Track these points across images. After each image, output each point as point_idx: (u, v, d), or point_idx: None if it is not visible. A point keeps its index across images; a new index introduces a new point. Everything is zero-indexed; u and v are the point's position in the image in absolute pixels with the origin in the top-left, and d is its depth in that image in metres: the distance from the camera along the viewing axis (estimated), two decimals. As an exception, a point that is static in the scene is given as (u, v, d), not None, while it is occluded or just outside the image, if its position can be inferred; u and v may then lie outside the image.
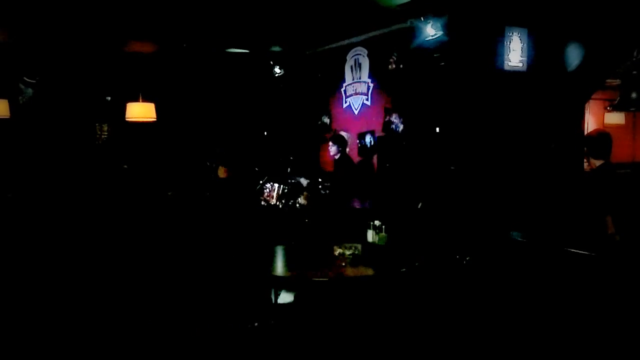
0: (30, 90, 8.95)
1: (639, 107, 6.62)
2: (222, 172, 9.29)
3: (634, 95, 6.16)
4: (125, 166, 9.60)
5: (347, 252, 4.49)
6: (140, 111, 8.83)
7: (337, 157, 7.62)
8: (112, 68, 9.56)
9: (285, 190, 7.55)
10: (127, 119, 8.89)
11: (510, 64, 6.00)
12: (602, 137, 4.76)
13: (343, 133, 8.39)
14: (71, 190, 8.67)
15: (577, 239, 4.35)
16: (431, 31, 6.23)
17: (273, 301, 5.08)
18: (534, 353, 4.22)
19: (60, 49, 8.92)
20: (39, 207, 8.06)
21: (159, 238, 7.66)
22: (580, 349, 3.99)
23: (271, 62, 9.77)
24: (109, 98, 9.66)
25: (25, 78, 8.88)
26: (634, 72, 6.12)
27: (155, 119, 8.93)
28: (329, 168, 8.55)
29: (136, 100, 8.86)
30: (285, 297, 5.37)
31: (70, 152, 9.17)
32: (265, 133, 10.53)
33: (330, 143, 7.69)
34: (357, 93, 8.63)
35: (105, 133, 9.73)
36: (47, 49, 8.82)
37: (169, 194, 8.91)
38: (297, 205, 7.40)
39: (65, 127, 9.22)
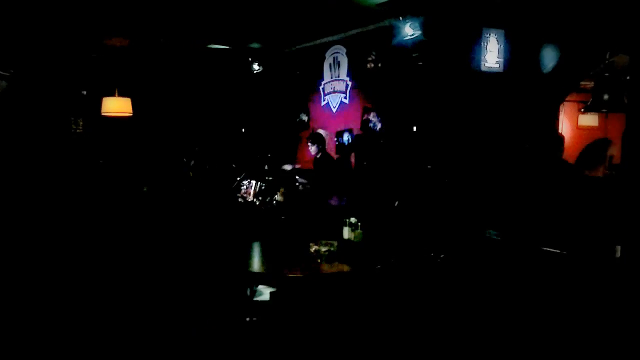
0: (4, 83, 8.78)
1: (611, 108, 6.76)
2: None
3: (606, 96, 6.29)
4: (101, 161, 9.49)
5: (323, 249, 4.50)
6: (116, 106, 8.75)
7: (318, 156, 7.49)
8: (88, 61, 9.44)
9: (263, 187, 7.55)
10: (102, 114, 8.79)
11: (487, 64, 6.06)
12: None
13: (321, 131, 8.38)
14: (45, 184, 8.54)
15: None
16: (409, 31, 6.27)
17: (249, 298, 5.08)
18: (508, 349, 4.28)
19: (35, 41, 8.77)
20: (10, 202, 7.91)
21: (133, 234, 7.58)
22: (554, 345, 4.06)
23: (250, 59, 9.74)
24: (84, 92, 9.54)
25: (-2, 70, 8.72)
26: (606, 74, 6.24)
27: (131, 114, 8.84)
28: (307, 165, 8.55)
29: (112, 94, 8.77)
30: (262, 294, 5.37)
31: (45, 146, 9.03)
32: (243, 130, 10.49)
33: (309, 142, 7.55)
34: (335, 91, 8.65)
35: (80, 127, 9.61)
36: (22, 41, 8.67)
37: (145, 189, 8.82)
38: (274, 202, 7.40)
39: (40, 121, 9.08)
